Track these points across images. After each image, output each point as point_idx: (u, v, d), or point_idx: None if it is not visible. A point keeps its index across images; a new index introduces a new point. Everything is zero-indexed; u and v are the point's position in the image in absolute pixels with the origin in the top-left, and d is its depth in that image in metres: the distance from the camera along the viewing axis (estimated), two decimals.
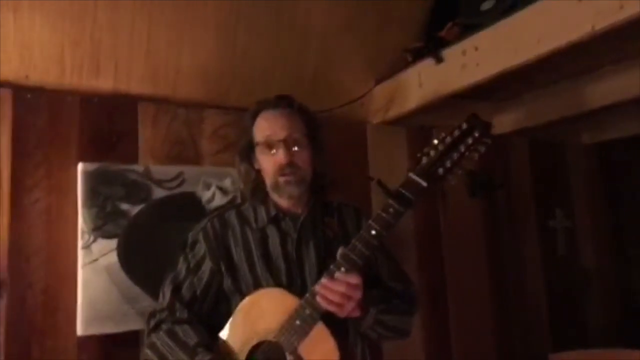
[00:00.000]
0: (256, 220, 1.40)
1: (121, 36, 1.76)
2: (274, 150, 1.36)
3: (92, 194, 1.74)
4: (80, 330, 1.68)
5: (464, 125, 1.21)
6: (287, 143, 1.35)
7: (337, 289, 1.19)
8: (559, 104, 2.25)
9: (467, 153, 1.20)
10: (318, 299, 1.20)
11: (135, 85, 1.86)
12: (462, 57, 1.84)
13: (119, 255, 1.76)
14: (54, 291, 1.68)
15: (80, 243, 1.72)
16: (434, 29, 2.03)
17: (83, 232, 1.72)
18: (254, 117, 1.41)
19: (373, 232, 1.20)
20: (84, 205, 1.73)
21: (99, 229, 1.74)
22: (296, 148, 1.36)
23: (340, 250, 1.23)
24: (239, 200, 1.49)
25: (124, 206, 1.78)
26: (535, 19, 1.58)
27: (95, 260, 1.72)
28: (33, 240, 1.68)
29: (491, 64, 1.75)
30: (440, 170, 1.20)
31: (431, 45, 1.96)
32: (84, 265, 1.71)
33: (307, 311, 1.22)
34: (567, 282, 2.78)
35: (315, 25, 2.01)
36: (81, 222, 1.72)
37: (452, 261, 2.45)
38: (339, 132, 2.16)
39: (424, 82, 2.02)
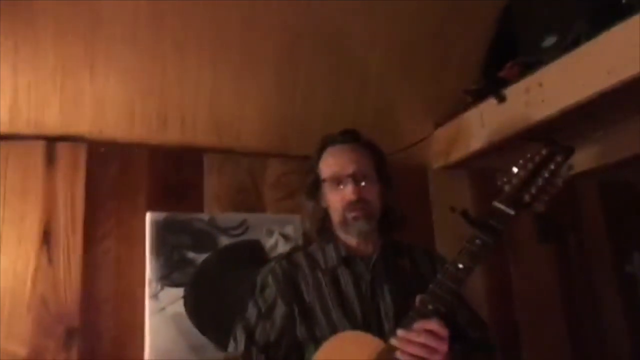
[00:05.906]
0: (325, 261, 1.34)
1: (187, 89, 1.83)
2: (342, 186, 1.31)
3: (160, 243, 1.77)
4: None
5: (544, 151, 1.18)
6: (355, 178, 1.31)
7: (417, 340, 1.07)
8: (630, 141, 2.15)
9: (551, 179, 1.16)
10: (398, 355, 1.08)
11: (200, 136, 1.92)
12: (525, 94, 1.79)
13: (185, 304, 1.75)
14: (122, 340, 1.69)
15: (147, 292, 1.73)
16: (493, 70, 2.00)
17: (150, 281, 1.74)
18: (320, 152, 1.39)
19: (460, 265, 1.11)
20: (152, 254, 1.75)
21: (166, 278, 1.75)
22: (364, 183, 1.32)
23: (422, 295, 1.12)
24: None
25: (191, 255, 1.79)
26: (604, 50, 1.52)
27: (163, 309, 1.73)
28: (103, 289, 1.71)
29: (557, 99, 1.69)
30: (526, 197, 1.16)
31: (492, 85, 1.94)
32: (152, 314, 1.71)
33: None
34: None
35: (373, 72, 2.02)
36: (149, 270, 1.74)
37: (525, 310, 2.31)
38: (400, 177, 2.11)
39: (486, 123, 1.98)
